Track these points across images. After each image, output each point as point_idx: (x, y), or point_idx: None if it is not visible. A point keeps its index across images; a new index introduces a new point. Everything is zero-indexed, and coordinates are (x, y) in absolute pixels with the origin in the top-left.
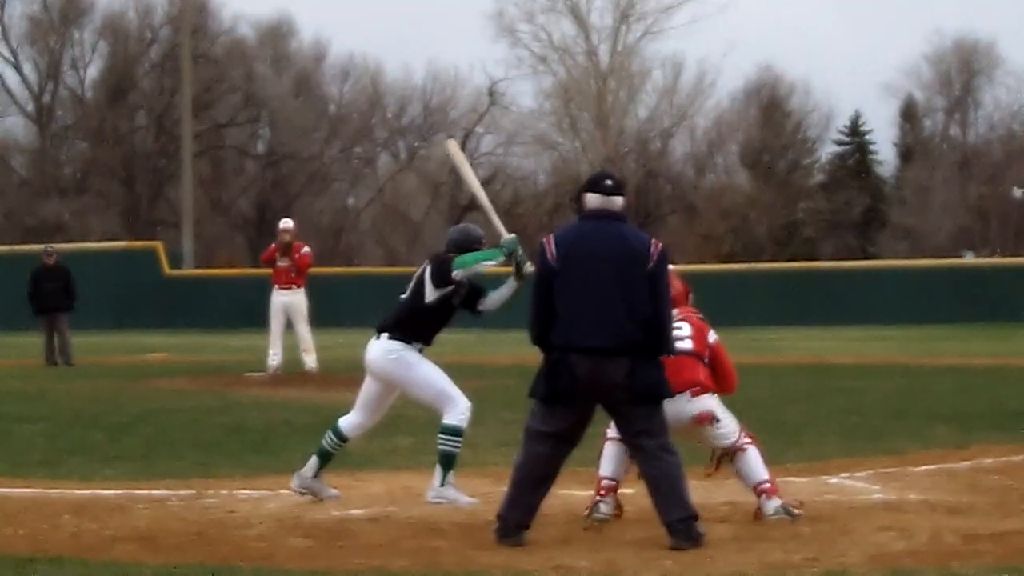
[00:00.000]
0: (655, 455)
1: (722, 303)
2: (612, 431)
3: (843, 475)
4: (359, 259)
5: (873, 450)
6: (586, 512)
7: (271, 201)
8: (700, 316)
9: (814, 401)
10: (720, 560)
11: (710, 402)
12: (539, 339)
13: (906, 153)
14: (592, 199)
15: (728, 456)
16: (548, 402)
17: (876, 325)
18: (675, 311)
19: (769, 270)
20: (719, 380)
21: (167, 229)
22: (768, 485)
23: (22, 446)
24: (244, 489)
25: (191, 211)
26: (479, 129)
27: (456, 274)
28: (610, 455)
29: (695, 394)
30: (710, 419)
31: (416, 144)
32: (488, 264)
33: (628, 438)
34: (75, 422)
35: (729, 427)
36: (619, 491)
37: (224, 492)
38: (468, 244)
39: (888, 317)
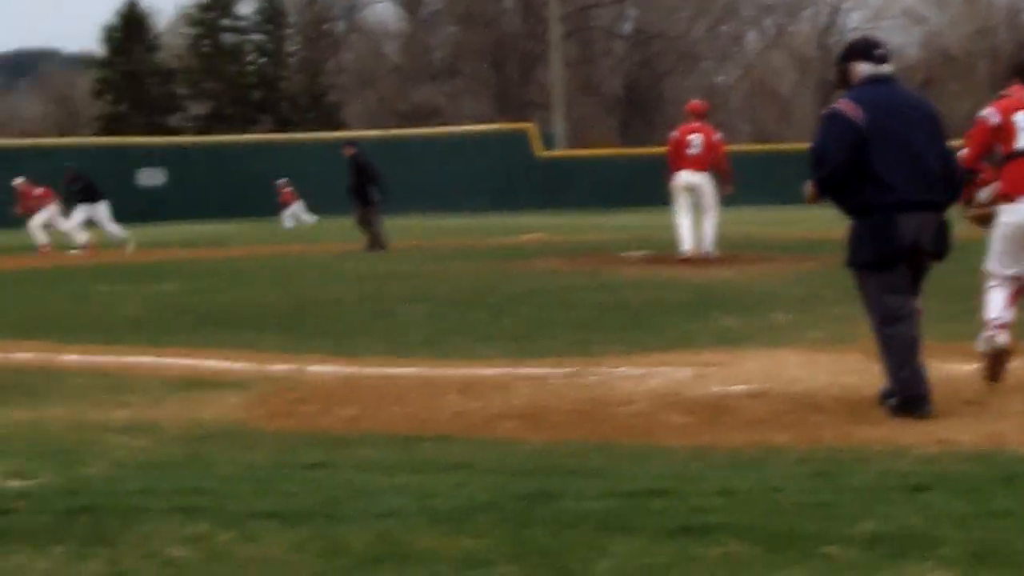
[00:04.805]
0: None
1: None
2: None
3: None
4: (729, 137)
5: None
6: (982, 345)
7: (639, 81)
8: None
9: None
10: None
11: None
12: (830, 184)
13: None
14: (865, 68)
15: None
16: (879, 266)
17: None
18: None
19: None
20: None
21: (538, 110)
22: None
23: (405, 327)
24: (623, 366)
25: (561, 93)
26: (846, 4)
27: None
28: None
29: None
30: None
31: (783, 21)
32: None
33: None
34: (455, 303)
35: None
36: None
37: (603, 370)
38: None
39: None
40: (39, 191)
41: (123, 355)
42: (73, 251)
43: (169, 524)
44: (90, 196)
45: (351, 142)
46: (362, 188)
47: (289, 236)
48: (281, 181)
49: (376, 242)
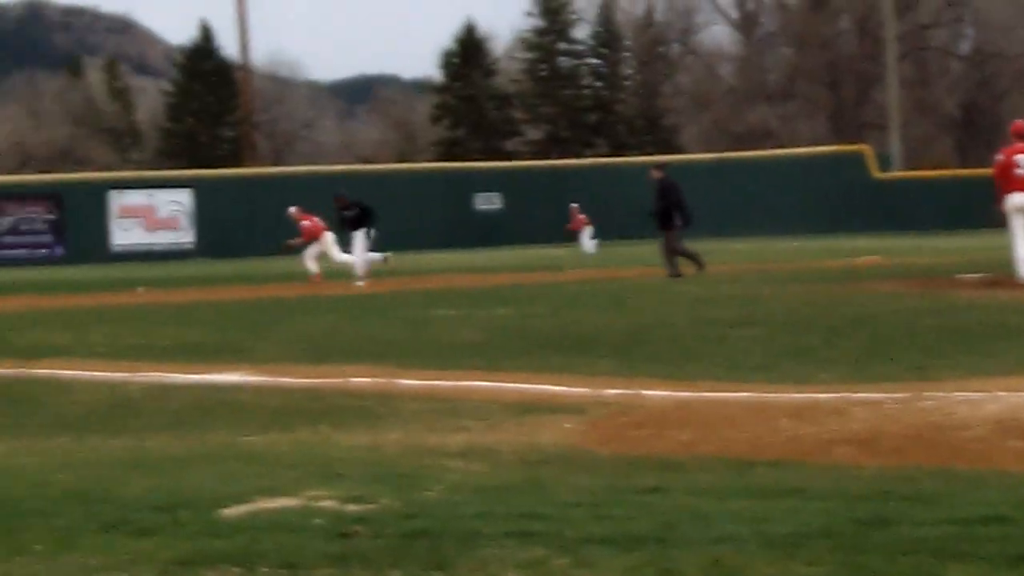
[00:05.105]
0: None
1: None
2: None
3: None
4: None
5: None
6: None
7: (977, 101)
8: None
9: None
10: None
11: None
12: None
13: None
14: None
15: None
16: None
17: None
18: None
19: None
20: None
21: (873, 132)
22: None
23: (738, 350)
24: (961, 391)
25: (897, 114)
26: None
27: None
28: None
29: None
30: None
31: None
32: None
33: None
34: (790, 326)
35: None
36: None
37: (941, 394)
38: None
39: None
40: (314, 221)
41: (459, 379)
42: (358, 283)
43: (505, 549)
44: (362, 223)
45: (660, 165)
46: (666, 211)
47: (615, 260)
48: (574, 206)
49: (697, 262)
